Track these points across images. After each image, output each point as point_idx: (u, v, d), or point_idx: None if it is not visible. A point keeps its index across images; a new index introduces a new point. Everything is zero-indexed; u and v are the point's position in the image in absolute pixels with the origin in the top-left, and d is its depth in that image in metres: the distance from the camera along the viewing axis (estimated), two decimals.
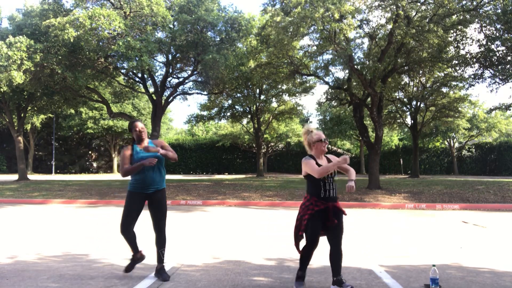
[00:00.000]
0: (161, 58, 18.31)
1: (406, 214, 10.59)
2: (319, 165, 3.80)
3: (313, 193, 3.78)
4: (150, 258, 5.15)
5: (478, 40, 14.95)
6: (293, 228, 3.90)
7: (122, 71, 17.14)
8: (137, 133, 4.20)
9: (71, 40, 13.03)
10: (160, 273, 4.22)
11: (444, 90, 23.01)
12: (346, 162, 3.76)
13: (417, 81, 23.60)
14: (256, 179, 22.98)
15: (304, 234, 3.77)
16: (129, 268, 4.34)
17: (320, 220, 3.72)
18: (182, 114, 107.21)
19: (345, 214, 3.88)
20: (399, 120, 27.88)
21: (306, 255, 3.81)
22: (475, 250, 5.84)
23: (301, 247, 3.82)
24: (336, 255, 3.78)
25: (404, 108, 26.57)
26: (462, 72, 17.65)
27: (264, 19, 17.00)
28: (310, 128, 3.94)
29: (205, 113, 27.83)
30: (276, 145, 36.57)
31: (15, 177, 23.97)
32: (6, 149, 39.40)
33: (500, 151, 34.47)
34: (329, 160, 3.95)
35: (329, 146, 36.69)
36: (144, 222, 4.80)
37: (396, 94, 24.64)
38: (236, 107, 26.71)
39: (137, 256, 4.36)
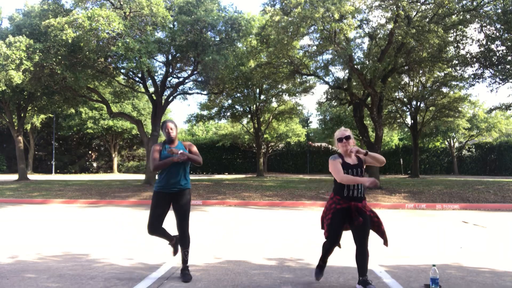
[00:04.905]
0: (161, 58, 18.30)
1: (406, 214, 10.59)
2: (346, 163, 3.80)
3: (337, 192, 3.83)
4: (150, 258, 5.15)
5: (478, 40, 14.97)
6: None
7: (122, 71, 17.12)
8: (166, 133, 4.28)
9: (69, 41, 13.02)
10: (182, 274, 4.21)
11: (444, 90, 23.01)
12: (374, 185, 3.64)
13: (417, 81, 23.59)
14: (256, 179, 22.97)
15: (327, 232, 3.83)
16: (175, 252, 4.51)
17: (341, 218, 3.77)
18: (182, 114, 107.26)
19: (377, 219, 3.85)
20: (399, 120, 27.86)
21: (326, 249, 3.94)
22: (475, 250, 5.84)
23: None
24: (359, 254, 3.75)
25: (404, 108, 26.55)
26: (462, 72, 17.67)
27: (264, 19, 16.98)
28: (341, 129, 3.94)
29: (205, 112, 27.83)
30: (276, 145, 36.57)
31: (15, 177, 23.97)
32: (6, 149, 39.40)
33: (500, 151, 34.44)
34: (359, 160, 3.85)
35: (329, 146, 36.68)
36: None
37: (396, 94, 24.63)
38: (236, 107, 26.69)
39: (174, 242, 4.47)
